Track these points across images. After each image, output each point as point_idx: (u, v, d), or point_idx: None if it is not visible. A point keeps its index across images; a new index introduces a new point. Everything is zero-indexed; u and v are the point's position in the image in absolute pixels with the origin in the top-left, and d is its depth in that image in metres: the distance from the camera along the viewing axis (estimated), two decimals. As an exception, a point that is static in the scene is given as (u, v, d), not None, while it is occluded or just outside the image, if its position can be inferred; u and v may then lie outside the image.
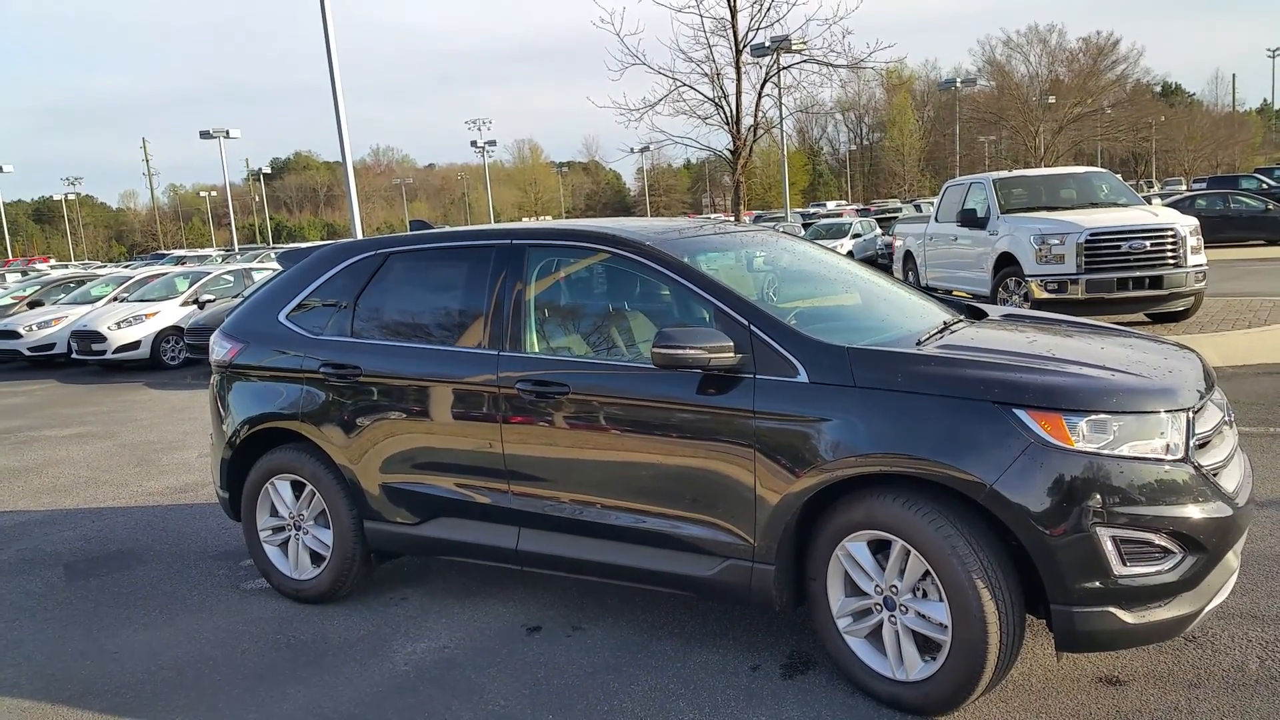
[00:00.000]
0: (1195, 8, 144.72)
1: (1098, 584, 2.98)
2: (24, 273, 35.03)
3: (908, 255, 15.59)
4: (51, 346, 16.67)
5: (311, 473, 4.57)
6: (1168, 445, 3.07)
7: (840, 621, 3.42)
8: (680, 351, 3.41)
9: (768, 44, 18.99)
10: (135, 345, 15.44)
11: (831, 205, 61.45)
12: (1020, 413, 3.05)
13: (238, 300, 12.43)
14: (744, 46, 16.14)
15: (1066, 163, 49.17)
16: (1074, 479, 2.97)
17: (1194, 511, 3.03)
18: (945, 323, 4.03)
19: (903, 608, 3.26)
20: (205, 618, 4.66)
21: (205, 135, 48.94)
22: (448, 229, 4.85)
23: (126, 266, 34.32)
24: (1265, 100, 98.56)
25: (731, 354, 3.43)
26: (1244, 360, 9.01)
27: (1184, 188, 43.74)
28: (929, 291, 5.09)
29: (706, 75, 16.34)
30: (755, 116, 16.98)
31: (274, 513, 4.79)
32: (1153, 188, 51.19)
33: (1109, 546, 2.97)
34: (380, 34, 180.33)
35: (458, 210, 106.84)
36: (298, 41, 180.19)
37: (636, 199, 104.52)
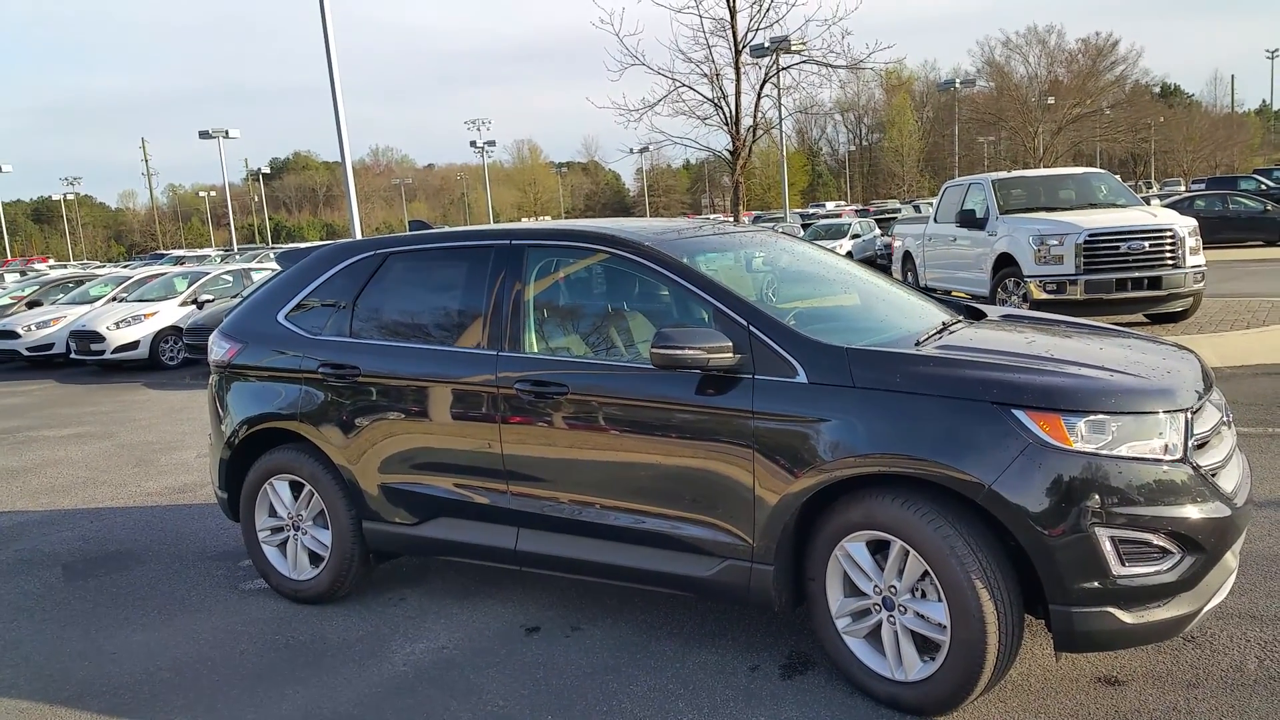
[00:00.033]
0: (1194, 9, 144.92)
1: (1096, 584, 2.98)
2: (23, 273, 35.02)
3: (907, 256, 15.60)
4: (50, 346, 16.67)
5: (310, 473, 4.57)
6: (1166, 446, 3.07)
7: (839, 622, 3.42)
8: (679, 352, 3.41)
9: (767, 44, 18.99)
10: (134, 345, 15.44)
11: (830, 206, 61.50)
12: (1019, 413, 3.05)
13: (236, 300, 12.43)
14: (743, 47, 16.14)
15: (1065, 163, 49.24)
16: (1072, 479, 2.97)
17: (1192, 512, 3.03)
18: (944, 323, 4.04)
19: (901, 608, 3.26)
20: (204, 618, 4.66)
21: (204, 135, 48.94)
22: (447, 229, 4.85)
23: (125, 266, 34.30)
24: (1264, 101, 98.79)
25: (730, 354, 3.43)
26: (1242, 361, 9.02)
27: (1183, 188, 43.75)
28: (928, 292, 5.10)
29: (706, 76, 16.36)
30: (754, 117, 17.01)
31: (273, 513, 4.79)
32: (1151, 188, 51.19)
33: (1108, 547, 2.97)
34: (380, 34, 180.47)
35: (457, 210, 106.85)
36: (297, 41, 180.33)
37: (636, 199, 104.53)
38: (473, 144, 73.89)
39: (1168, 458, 3.06)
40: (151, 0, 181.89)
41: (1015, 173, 13.51)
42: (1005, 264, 11.36)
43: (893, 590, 3.27)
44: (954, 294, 12.30)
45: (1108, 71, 62.95)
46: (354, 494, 4.46)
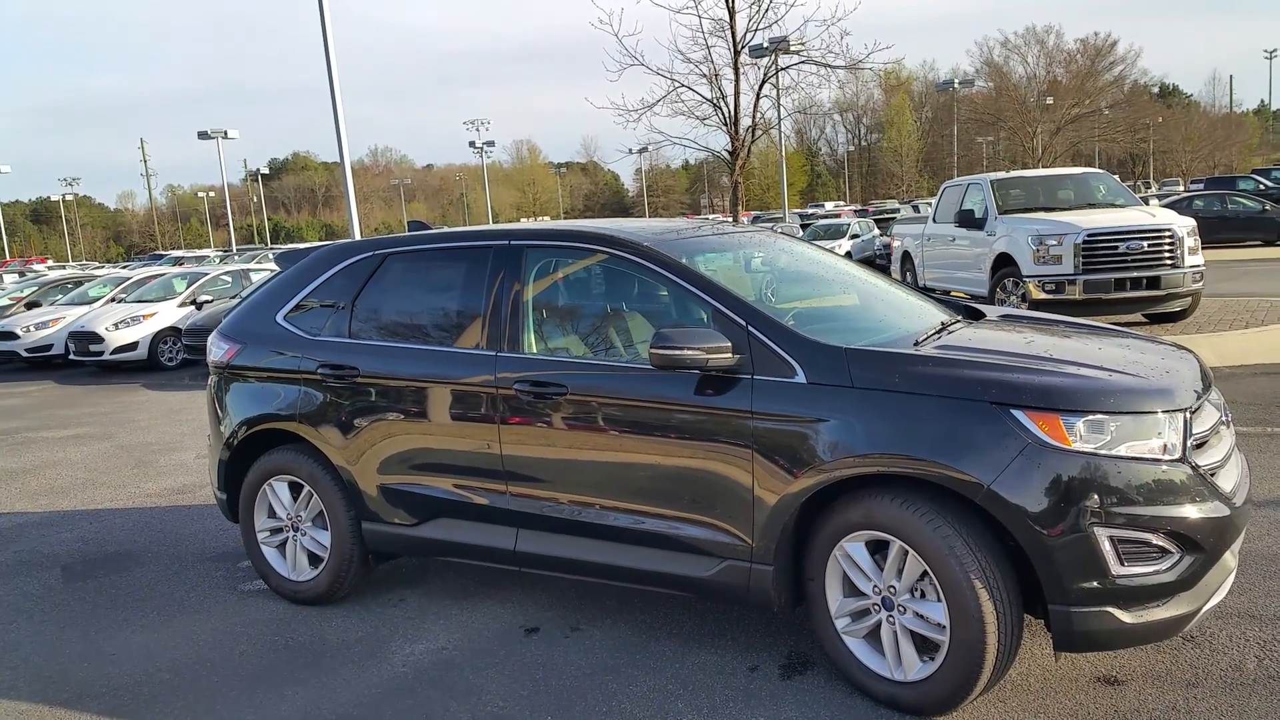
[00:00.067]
0: (1193, 9, 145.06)
1: (1095, 584, 2.98)
2: (21, 273, 35.00)
3: (905, 256, 15.60)
4: (49, 347, 16.65)
5: (309, 474, 4.57)
6: (1165, 445, 3.07)
7: (838, 622, 3.42)
8: (678, 352, 3.41)
9: (766, 45, 18.97)
10: (133, 346, 15.43)
11: (829, 206, 61.50)
12: (1018, 413, 3.05)
13: (235, 301, 12.42)
14: (742, 47, 16.12)
15: (1064, 163, 49.25)
16: (1071, 479, 2.97)
17: (1191, 511, 3.03)
18: (943, 323, 4.04)
19: (901, 608, 3.26)
20: (203, 619, 4.66)
21: (203, 136, 48.93)
22: (445, 229, 4.85)
23: (124, 267, 34.29)
24: (1262, 101, 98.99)
25: (729, 355, 3.43)
26: (1241, 360, 9.03)
27: (1181, 188, 43.80)
28: (927, 292, 5.10)
29: (705, 76, 16.34)
30: (753, 117, 17.00)
31: (272, 514, 4.79)
32: (1150, 188, 51.23)
33: (1107, 546, 2.98)
34: (379, 34, 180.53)
35: (456, 211, 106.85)
36: (297, 41, 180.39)
37: (635, 200, 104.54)
38: (472, 144, 73.96)
39: (1167, 457, 3.06)
40: (151, 0, 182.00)
41: (1014, 173, 13.52)
42: (1004, 264, 11.36)
43: (892, 590, 3.27)
44: (953, 294, 12.30)
45: (1106, 72, 62.99)
46: (353, 495, 4.46)
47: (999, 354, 3.49)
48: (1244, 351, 9.32)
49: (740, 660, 3.81)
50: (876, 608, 3.33)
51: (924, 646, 3.26)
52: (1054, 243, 10.59)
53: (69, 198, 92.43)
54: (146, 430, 10.11)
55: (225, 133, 49.24)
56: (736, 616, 4.22)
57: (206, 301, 16.05)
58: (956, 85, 55.30)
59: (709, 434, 3.51)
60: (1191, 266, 10.55)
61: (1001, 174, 13.17)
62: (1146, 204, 12.81)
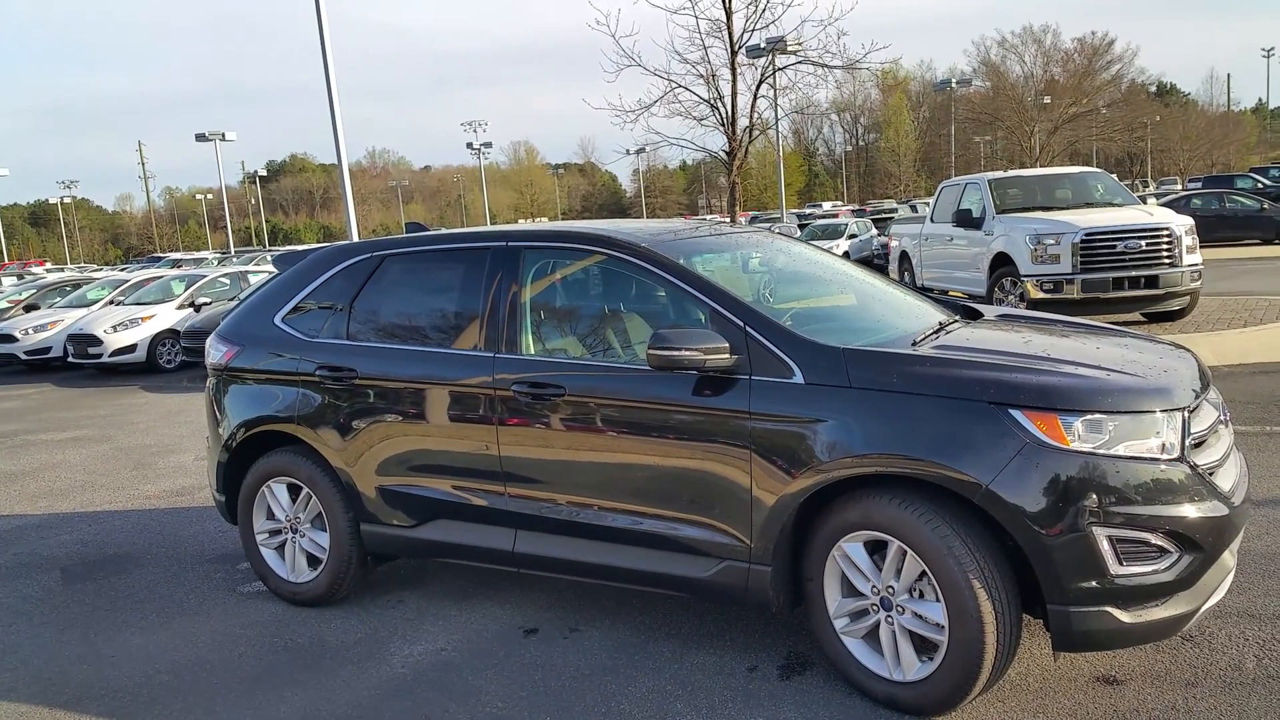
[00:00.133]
0: (1190, 8, 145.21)
1: (1094, 583, 2.98)
2: (20, 276, 34.97)
3: (903, 256, 15.60)
4: (47, 350, 16.65)
5: (308, 476, 4.57)
6: (1163, 445, 3.07)
7: (837, 622, 3.42)
8: (676, 353, 3.41)
9: (763, 45, 19.00)
10: (131, 348, 15.42)
11: (827, 206, 61.58)
12: (1016, 413, 3.05)
13: (233, 303, 12.42)
14: (739, 48, 16.11)
15: (1062, 163, 49.24)
16: (1070, 479, 2.97)
17: (1190, 511, 3.03)
18: (941, 323, 4.04)
19: (899, 608, 3.26)
20: (202, 621, 4.66)
21: (201, 138, 48.94)
22: (443, 231, 4.85)
23: (122, 269, 34.28)
24: (1260, 100, 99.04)
25: (727, 355, 3.43)
26: (1239, 359, 9.03)
27: (1179, 187, 43.80)
28: (924, 292, 5.10)
29: (702, 77, 16.34)
30: (751, 118, 16.98)
31: (270, 516, 4.79)
32: (1148, 187, 51.22)
33: (1105, 546, 2.97)
34: (377, 35, 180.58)
35: (454, 212, 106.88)
36: (296, 41, 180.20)
37: (632, 200, 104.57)
38: (469, 145, 74.02)
39: (1165, 457, 3.06)
40: (151, 0, 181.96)
41: (1012, 172, 13.53)
42: (1002, 263, 11.36)
43: (890, 590, 3.27)
44: (951, 294, 12.31)
45: (1104, 71, 63.08)
46: (352, 496, 4.46)
47: (997, 354, 3.49)
48: (1242, 350, 9.33)
49: (739, 661, 3.81)
50: (875, 608, 3.33)
51: (923, 646, 3.26)
52: (1052, 242, 10.60)
53: (67, 200, 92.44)
54: (145, 432, 10.10)
55: (223, 135, 49.26)
56: (735, 617, 4.22)
57: (205, 304, 16.05)
58: (954, 85, 55.37)
59: (707, 435, 3.51)
60: (1190, 265, 10.56)
61: (999, 173, 13.17)
62: (1144, 203, 12.82)
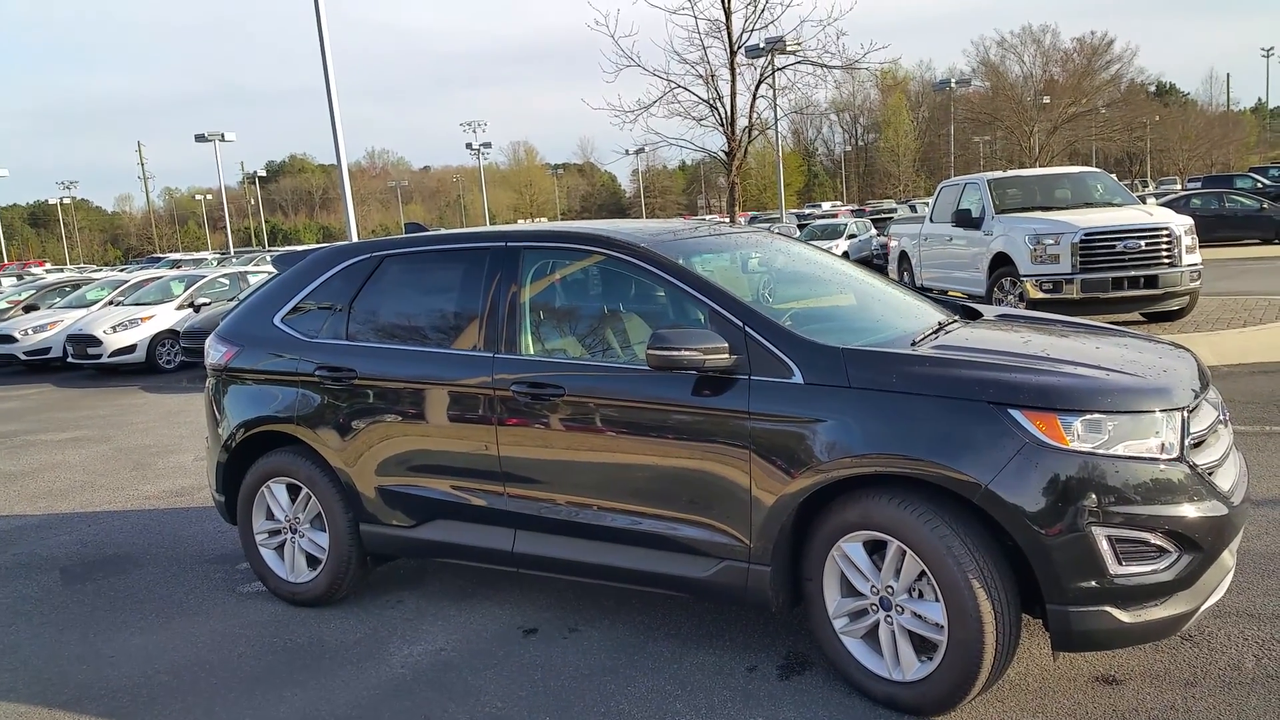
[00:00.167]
0: (1189, 8, 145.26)
1: (1093, 583, 2.98)
2: (19, 277, 34.96)
3: (903, 256, 15.61)
4: (47, 350, 16.65)
5: (307, 476, 4.57)
6: (1163, 444, 3.07)
7: (836, 622, 3.42)
8: (675, 353, 3.41)
9: (762, 45, 18.99)
10: (131, 349, 15.42)
11: (826, 206, 61.57)
12: (1015, 413, 3.05)
13: (233, 304, 12.42)
14: (738, 48, 16.11)
15: (1061, 163, 49.26)
16: (1069, 479, 2.97)
17: (1189, 510, 3.03)
18: (940, 323, 4.04)
19: (899, 608, 3.26)
20: (201, 621, 4.65)
21: (200, 139, 48.89)
22: (443, 231, 4.85)
23: (122, 270, 34.27)
24: (1259, 99, 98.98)
25: (726, 355, 3.43)
26: (1239, 359, 9.04)
27: (1179, 187, 43.81)
28: (924, 292, 5.10)
29: (701, 77, 16.32)
30: (750, 118, 16.97)
31: (270, 516, 4.78)
32: (1147, 187, 51.26)
33: (1104, 546, 2.98)
34: (377, 35, 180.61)
35: (453, 212, 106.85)
36: (296, 42, 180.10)
37: (632, 201, 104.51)
38: (469, 146, 74.08)
39: (1164, 456, 3.06)
40: (151, 1, 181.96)
41: (1011, 172, 13.53)
42: (1001, 263, 11.37)
43: (890, 590, 3.27)
44: (950, 294, 12.31)
45: (1103, 70, 63.13)
46: (351, 497, 4.46)
47: (996, 354, 3.49)
48: (1242, 350, 9.33)
49: (738, 661, 3.81)
50: (874, 608, 3.33)
51: (922, 646, 3.26)
52: (1051, 242, 10.60)
53: (67, 201, 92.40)
54: (145, 433, 10.10)
55: (222, 135, 49.21)
56: (734, 617, 4.22)
57: (204, 304, 16.05)
58: (953, 85, 55.37)
59: (706, 435, 3.51)
60: (1189, 265, 10.57)
61: (998, 173, 13.18)
62: (1144, 203, 12.82)
